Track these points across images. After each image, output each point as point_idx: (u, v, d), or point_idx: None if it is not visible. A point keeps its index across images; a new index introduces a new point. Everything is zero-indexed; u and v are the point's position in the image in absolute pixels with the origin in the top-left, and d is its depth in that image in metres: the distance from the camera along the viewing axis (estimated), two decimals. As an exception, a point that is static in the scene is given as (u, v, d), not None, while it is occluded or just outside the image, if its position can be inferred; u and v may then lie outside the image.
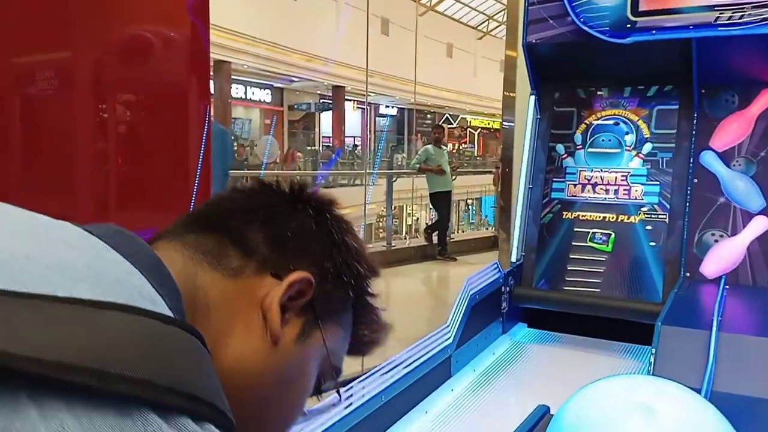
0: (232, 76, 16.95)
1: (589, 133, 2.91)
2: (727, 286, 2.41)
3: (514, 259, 2.89)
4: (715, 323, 1.98)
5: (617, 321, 2.66)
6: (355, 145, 23.56)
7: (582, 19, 2.62)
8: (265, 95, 21.14)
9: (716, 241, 2.58)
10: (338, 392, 0.71)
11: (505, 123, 3.95)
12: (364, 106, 23.16)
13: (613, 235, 2.80)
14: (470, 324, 2.36)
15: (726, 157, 2.62)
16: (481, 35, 28.62)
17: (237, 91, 19.07)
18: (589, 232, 2.85)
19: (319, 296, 0.60)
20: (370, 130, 23.10)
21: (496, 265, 2.66)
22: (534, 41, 2.80)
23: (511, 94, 3.75)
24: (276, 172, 12.24)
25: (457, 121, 29.78)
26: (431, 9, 24.32)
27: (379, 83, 19.83)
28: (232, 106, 17.90)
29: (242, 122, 19.76)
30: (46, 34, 1.47)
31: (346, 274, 0.63)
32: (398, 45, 19.30)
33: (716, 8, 2.37)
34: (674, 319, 2.10)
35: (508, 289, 2.74)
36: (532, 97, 2.96)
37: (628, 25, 2.54)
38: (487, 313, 2.58)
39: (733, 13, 2.34)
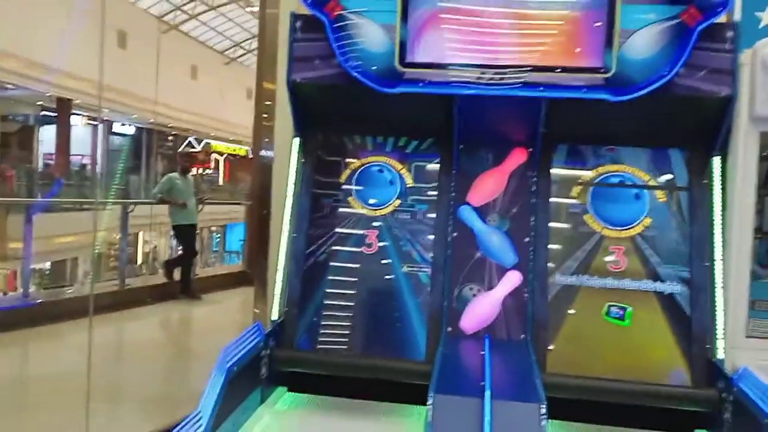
0: None
1: (354, 181, 2.78)
2: (489, 344, 2.41)
3: (275, 317, 2.60)
4: (487, 390, 1.92)
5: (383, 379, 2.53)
6: (84, 165, 21.18)
7: (350, 64, 2.48)
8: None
9: (474, 295, 2.60)
10: None
11: (263, 157, 3.70)
12: (96, 122, 21.01)
13: (374, 288, 2.69)
14: (226, 402, 2.02)
15: (482, 213, 2.67)
16: (228, 61, 28.13)
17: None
18: (351, 282, 2.70)
19: None
20: (102, 149, 21.01)
21: (257, 328, 2.35)
22: (299, 80, 2.59)
23: (269, 125, 3.51)
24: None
25: (201, 145, 28.71)
26: (174, 28, 23.20)
27: (114, 99, 18.18)
28: None
29: None
30: None
31: None
32: (138, 61, 17.99)
33: (479, 67, 2.40)
34: (446, 387, 2.00)
35: (267, 352, 2.45)
36: (296, 140, 2.74)
37: (396, 75, 2.46)
38: (244, 384, 2.25)
39: (494, 74, 2.39)
